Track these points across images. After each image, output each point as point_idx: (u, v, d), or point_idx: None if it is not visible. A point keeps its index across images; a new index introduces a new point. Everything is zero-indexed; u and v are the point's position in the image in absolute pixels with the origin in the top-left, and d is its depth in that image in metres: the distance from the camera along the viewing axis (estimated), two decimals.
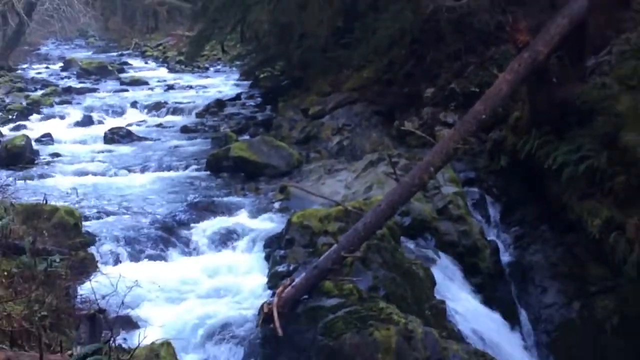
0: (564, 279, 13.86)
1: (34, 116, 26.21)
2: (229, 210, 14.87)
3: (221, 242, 13.49)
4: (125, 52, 55.44)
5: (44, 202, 13.23)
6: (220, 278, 12.14)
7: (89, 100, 29.32)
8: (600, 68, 15.15)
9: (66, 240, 12.32)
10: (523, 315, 13.65)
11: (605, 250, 13.22)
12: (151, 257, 13.00)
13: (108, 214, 14.78)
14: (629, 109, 13.26)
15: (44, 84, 34.28)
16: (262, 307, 10.80)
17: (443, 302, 12.01)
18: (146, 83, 34.31)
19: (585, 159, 13.47)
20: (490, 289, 13.39)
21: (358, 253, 11.36)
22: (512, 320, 13.18)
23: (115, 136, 22.03)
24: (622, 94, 13.68)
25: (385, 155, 15.56)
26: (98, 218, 14.48)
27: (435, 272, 12.65)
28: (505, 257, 14.30)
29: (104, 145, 21.54)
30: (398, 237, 12.50)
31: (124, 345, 8.84)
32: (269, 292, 11.34)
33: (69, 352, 8.39)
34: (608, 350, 13.07)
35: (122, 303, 9.44)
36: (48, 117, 26.08)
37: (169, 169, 18.29)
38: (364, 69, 21.33)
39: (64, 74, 39.22)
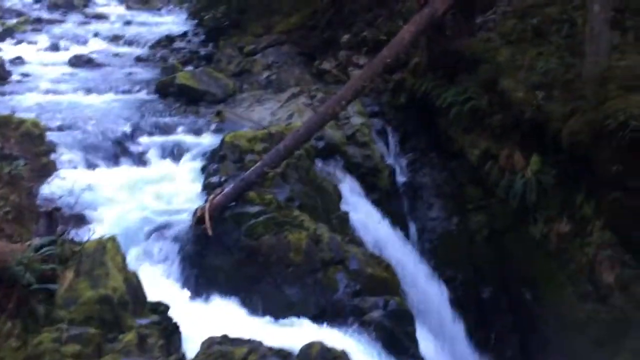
0: (446, 198, 13.98)
1: (8, 40, 25.15)
2: (173, 128, 14.54)
3: (165, 155, 13.22)
4: None
5: (13, 114, 12.80)
6: (162, 185, 11.90)
7: (57, 29, 28.23)
8: (486, 25, 15.13)
9: (31, 148, 11.96)
10: (412, 226, 13.75)
11: (481, 175, 13.34)
12: (104, 165, 12.70)
13: (69, 127, 14.30)
14: (507, 60, 13.26)
15: (18, 13, 32.96)
16: (196, 211, 10.67)
17: (347, 213, 12.01)
18: (107, 18, 33.22)
19: (470, 100, 13.49)
20: (387, 204, 13.41)
21: (278, 169, 11.27)
22: (403, 230, 13.24)
23: (79, 61, 21.28)
24: (503, 47, 13.66)
25: (306, 89, 15.44)
26: (60, 130, 14.01)
27: (342, 188, 12.65)
28: (400, 178, 14.33)
29: (69, 68, 20.79)
30: (313, 157, 12.39)
31: (75, 239, 8.60)
32: (203, 198, 11.14)
33: (28, 242, 8.18)
34: (478, 256, 13.28)
35: (76, 203, 9.22)
36: (20, 42, 25.06)
37: (123, 91, 17.77)
38: (292, 16, 20.99)
39: (36, 6, 37.71)
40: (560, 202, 11.94)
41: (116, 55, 23.10)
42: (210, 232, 10.24)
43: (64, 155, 12.54)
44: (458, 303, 12.73)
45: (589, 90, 11.31)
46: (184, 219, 10.81)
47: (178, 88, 16.95)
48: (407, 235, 13.33)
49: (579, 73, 11.78)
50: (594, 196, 11.32)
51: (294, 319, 9.45)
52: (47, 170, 11.60)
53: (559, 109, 11.74)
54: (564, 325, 11.70)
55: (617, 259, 10.89)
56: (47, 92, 17.40)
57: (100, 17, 33.12)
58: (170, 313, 8.52)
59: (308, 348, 7.88)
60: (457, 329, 12.36)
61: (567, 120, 11.53)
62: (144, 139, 13.88)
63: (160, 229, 10.63)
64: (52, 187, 10.74)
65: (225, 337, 8.01)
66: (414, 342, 9.71)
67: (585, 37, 11.58)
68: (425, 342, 10.43)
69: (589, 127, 11.05)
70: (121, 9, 37.03)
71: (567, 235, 11.80)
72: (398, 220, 13.21)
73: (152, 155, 13.25)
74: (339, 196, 12.25)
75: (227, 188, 10.90)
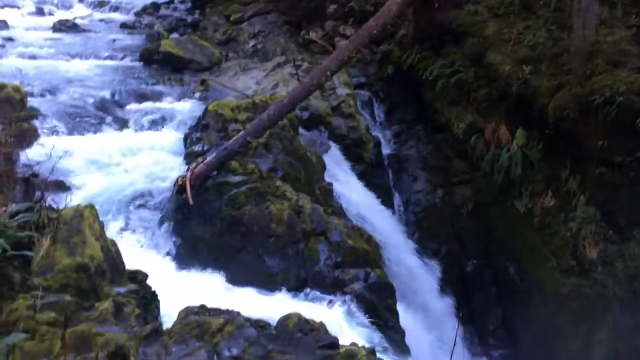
0: (431, 170, 13.96)
1: None
2: (156, 96, 14.41)
3: (147, 123, 13.07)
4: None
5: None
6: (144, 153, 11.79)
7: None
8: None
9: (12, 113, 11.77)
10: (396, 198, 13.73)
11: (466, 148, 13.32)
12: (86, 132, 12.54)
13: (51, 92, 14.15)
14: (494, 34, 13.19)
15: None
16: (177, 180, 10.59)
17: (330, 184, 11.95)
18: None
19: (456, 72, 13.45)
20: (371, 176, 13.38)
21: (262, 139, 11.19)
22: (387, 202, 13.21)
23: (63, 27, 20.98)
24: (490, 20, 13.59)
25: (291, 58, 15.30)
26: (42, 96, 13.86)
27: (326, 159, 12.57)
28: (385, 150, 14.29)
29: (52, 34, 20.50)
30: (297, 128, 12.31)
31: (53, 206, 8.49)
32: (185, 167, 11.05)
33: (4, 208, 8.07)
34: (463, 229, 13.30)
35: (53, 169, 9.10)
36: (4, 5, 24.77)
37: (107, 58, 17.57)
38: None
39: None
40: (546, 176, 11.93)
41: (101, 21, 22.83)
42: (191, 202, 10.18)
43: (45, 121, 12.40)
44: (442, 276, 12.75)
45: (576, 64, 11.25)
46: (166, 188, 10.74)
47: (163, 56, 16.78)
48: (391, 208, 13.30)
49: (567, 47, 11.72)
50: (579, 171, 11.30)
51: (274, 290, 9.41)
52: (28, 136, 11.45)
53: (545, 84, 11.69)
54: (546, 299, 11.73)
55: (600, 235, 10.88)
56: (30, 57, 17.17)
57: None
58: (149, 282, 8.44)
59: (286, 319, 7.83)
60: (440, 301, 12.37)
61: (553, 94, 11.48)
62: (126, 107, 13.76)
63: (141, 198, 10.57)
64: (32, 153, 10.61)
65: (202, 307, 7.96)
66: (395, 314, 9.71)
67: (573, 10, 11.49)
68: (406, 314, 10.44)
69: (575, 102, 11.00)
70: None
71: (551, 210, 11.80)
72: (382, 193, 13.18)
73: (134, 122, 13.10)
74: (322, 167, 12.18)
75: (209, 157, 10.82)
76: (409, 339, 9.69)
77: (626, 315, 10.21)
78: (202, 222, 10.26)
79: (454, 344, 3.62)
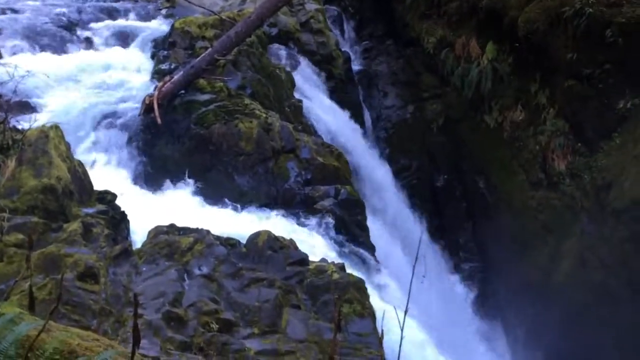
0: (402, 86, 13.88)
1: None
2: (122, 14, 14.06)
3: (113, 41, 12.79)
4: None
5: None
6: (110, 72, 11.57)
7: None
8: None
9: None
10: (367, 115, 13.67)
11: (437, 63, 13.24)
12: (50, 50, 12.22)
13: (13, 10, 13.78)
14: None
15: None
16: (144, 99, 10.44)
17: (300, 101, 11.87)
18: None
19: None
20: (342, 92, 13.27)
21: (230, 56, 11.03)
22: (358, 118, 13.14)
23: None
24: None
25: None
26: (3, 13, 13.48)
27: (296, 76, 12.44)
28: (355, 66, 14.15)
29: None
30: (265, 44, 12.15)
31: (17, 127, 8.37)
32: (152, 86, 10.89)
33: None
34: (433, 144, 13.31)
35: (16, 89, 8.93)
36: None
37: None
38: None
39: None
40: (515, 90, 11.93)
41: None
42: (159, 121, 10.07)
43: (6, 40, 12.09)
44: (412, 191, 12.82)
45: None
46: (133, 107, 10.58)
47: None
48: (362, 124, 13.25)
49: None
50: (549, 84, 11.30)
51: (244, 208, 9.41)
52: None
53: None
54: (515, 212, 11.87)
55: (569, 147, 10.96)
56: None
57: None
58: (118, 202, 8.42)
59: (256, 237, 7.88)
60: (411, 217, 12.47)
61: (523, 7, 11.38)
62: (91, 24, 13.40)
63: (107, 117, 10.41)
64: None
65: (172, 226, 7.97)
66: (365, 230, 9.76)
67: None
68: (377, 230, 10.51)
69: (545, 15, 10.93)
70: None
71: (521, 124, 11.83)
72: (353, 109, 13.09)
73: (100, 41, 12.81)
74: (292, 84, 12.07)
75: (177, 75, 10.67)
76: (379, 254, 9.77)
77: (593, 226, 10.36)
78: (171, 141, 10.18)
79: (416, 257, 3.62)
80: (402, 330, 3.06)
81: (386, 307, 7.18)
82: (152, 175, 9.92)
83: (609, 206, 10.00)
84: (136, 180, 9.82)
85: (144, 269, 7.37)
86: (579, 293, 10.34)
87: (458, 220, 13.00)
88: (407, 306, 3.33)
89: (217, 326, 6.79)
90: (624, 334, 9.61)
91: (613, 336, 9.78)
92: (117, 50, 12.56)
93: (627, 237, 9.67)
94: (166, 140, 10.17)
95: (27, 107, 10.15)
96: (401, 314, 3.11)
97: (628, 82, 10.20)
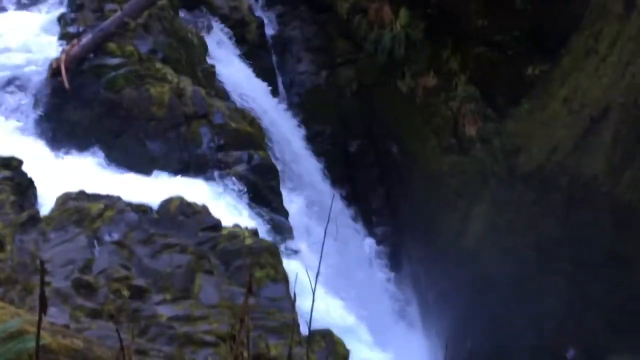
0: (315, 52, 13.84)
1: None
2: None
3: (19, 3, 12.33)
4: None
5: None
6: (15, 34, 11.18)
7: None
8: None
9: None
10: (280, 80, 13.61)
11: (351, 29, 13.25)
12: None
13: None
14: None
15: None
16: (51, 63, 10.14)
17: (213, 66, 11.71)
18: None
19: None
20: (255, 57, 13.15)
21: (140, 19, 10.80)
22: (271, 84, 13.07)
23: None
24: None
25: None
26: None
27: (209, 40, 12.27)
28: (269, 31, 14.03)
29: None
30: (177, 8, 11.94)
31: None
32: (59, 49, 10.58)
33: None
34: (347, 110, 13.36)
35: None
36: None
37: None
38: None
39: None
40: (428, 56, 12.05)
41: None
42: (67, 85, 9.81)
43: None
44: (326, 157, 12.86)
45: None
46: (39, 71, 10.28)
47: None
48: (275, 90, 13.19)
49: None
50: (460, 51, 11.46)
51: (155, 174, 9.29)
52: None
53: None
54: (427, 177, 12.05)
55: (479, 113, 11.16)
56: None
57: None
58: (24, 168, 8.20)
59: (167, 203, 7.80)
60: (325, 182, 12.51)
61: None
62: None
63: (12, 81, 10.09)
64: None
65: (81, 192, 7.81)
66: (278, 195, 9.77)
67: None
68: (290, 195, 10.53)
69: None
70: None
71: (433, 90, 11.98)
72: (266, 74, 13.02)
73: (5, 2, 12.37)
74: (205, 49, 11.91)
75: (85, 39, 10.39)
76: (292, 220, 9.79)
77: (502, 190, 10.62)
78: (80, 106, 9.93)
79: (328, 219, 3.63)
80: (313, 293, 3.06)
81: (299, 270, 7.21)
82: (60, 141, 9.67)
83: (517, 171, 10.26)
84: (43, 145, 9.55)
85: (52, 236, 7.22)
86: (489, 257, 10.60)
87: (371, 185, 13.11)
88: (318, 269, 3.33)
89: (128, 293, 6.71)
90: (530, 295, 9.91)
91: (519, 298, 10.08)
92: (22, 12, 12.15)
93: (535, 200, 9.94)
94: (74, 105, 9.92)
95: None
96: (313, 277, 3.11)
97: (536, 49, 10.43)
